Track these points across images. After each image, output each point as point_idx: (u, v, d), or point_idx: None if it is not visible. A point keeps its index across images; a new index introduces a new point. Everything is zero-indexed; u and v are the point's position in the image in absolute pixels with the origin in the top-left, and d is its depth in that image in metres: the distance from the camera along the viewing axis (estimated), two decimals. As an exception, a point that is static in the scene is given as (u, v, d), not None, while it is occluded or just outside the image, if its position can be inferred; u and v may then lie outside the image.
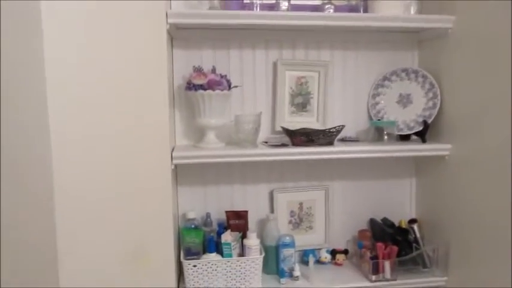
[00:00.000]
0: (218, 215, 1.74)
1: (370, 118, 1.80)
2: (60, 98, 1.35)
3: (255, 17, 1.50)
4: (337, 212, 1.85)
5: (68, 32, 1.34)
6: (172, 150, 1.52)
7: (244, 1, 1.59)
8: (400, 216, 1.82)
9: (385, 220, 1.80)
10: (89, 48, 1.35)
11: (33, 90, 1.28)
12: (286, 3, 1.60)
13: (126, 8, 1.35)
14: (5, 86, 1.07)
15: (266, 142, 1.69)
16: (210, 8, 1.55)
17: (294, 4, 1.63)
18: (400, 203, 1.88)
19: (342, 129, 1.62)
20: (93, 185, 1.39)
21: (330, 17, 1.56)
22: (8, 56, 1.09)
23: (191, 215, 1.66)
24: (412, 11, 1.66)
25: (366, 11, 1.66)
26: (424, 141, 1.67)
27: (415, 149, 1.63)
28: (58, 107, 1.35)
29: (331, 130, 1.61)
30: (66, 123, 1.36)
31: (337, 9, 1.64)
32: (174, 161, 1.47)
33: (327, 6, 1.63)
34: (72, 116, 1.36)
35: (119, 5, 1.34)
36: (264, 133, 1.71)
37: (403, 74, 1.76)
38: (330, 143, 1.61)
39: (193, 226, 1.64)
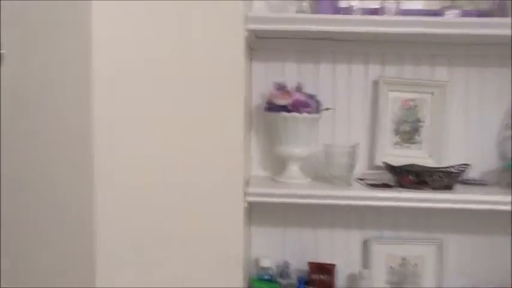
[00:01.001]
0: (298, 265, 1.45)
1: (502, 156, 1.40)
2: (110, 117, 1.14)
3: (357, 22, 1.21)
4: (452, 273, 1.46)
5: (120, 40, 1.13)
6: (247, 183, 1.27)
7: (341, 5, 1.32)
8: (540, 287, 1.38)
9: (520, 292, 1.37)
10: (146, 58, 1.14)
11: (77, 109, 1.12)
12: (394, 8, 1.30)
13: (193, 10, 1.12)
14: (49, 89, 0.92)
15: (362, 179, 1.36)
16: (298, 11, 1.29)
17: (405, 9, 1.32)
18: (540, 269, 1.43)
19: (466, 169, 1.24)
20: (149, 219, 1.18)
21: (455, 24, 1.21)
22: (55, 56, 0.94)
23: (265, 263, 1.39)
24: None
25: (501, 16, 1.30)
26: None
27: None
28: (106, 127, 1.14)
29: (451, 170, 1.24)
30: (118, 146, 1.15)
31: (464, 14, 1.30)
32: (248, 198, 1.22)
33: (448, 11, 1.29)
34: (126, 139, 1.16)
35: (184, 6, 1.12)
36: (359, 167, 1.39)
37: (551, 99, 1.35)
38: (448, 187, 1.24)
39: (267, 277, 1.38)
